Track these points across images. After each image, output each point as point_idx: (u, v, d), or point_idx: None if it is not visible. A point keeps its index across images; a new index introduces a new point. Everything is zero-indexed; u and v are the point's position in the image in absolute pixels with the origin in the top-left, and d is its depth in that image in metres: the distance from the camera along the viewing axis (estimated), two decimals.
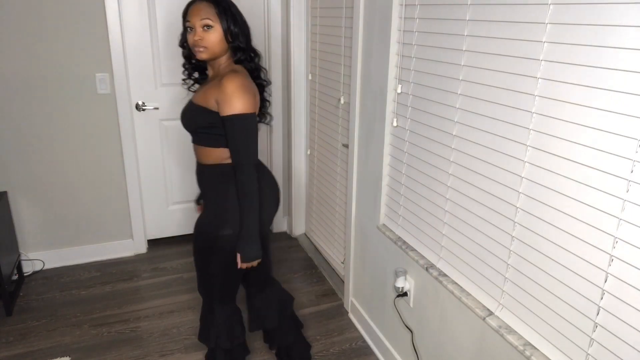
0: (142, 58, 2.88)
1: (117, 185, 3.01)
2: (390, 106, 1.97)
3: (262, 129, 2.80)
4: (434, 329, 1.83)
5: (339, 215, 2.75)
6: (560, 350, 1.29)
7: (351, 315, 2.56)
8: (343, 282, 2.72)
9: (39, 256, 2.95)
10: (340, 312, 2.62)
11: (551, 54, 1.21)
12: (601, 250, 1.14)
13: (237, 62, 1.69)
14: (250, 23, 1.72)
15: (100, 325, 2.46)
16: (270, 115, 1.85)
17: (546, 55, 1.22)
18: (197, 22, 1.58)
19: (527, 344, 1.37)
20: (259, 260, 1.69)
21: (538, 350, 1.34)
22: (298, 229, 3.45)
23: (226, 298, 1.84)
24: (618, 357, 1.12)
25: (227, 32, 1.61)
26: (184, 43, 1.73)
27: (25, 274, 2.89)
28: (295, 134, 3.19)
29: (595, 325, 1.18)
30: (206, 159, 1.70)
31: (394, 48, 1.90)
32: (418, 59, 1.76)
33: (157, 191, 3.18)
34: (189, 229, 3.23)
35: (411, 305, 1.96)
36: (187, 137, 2.91)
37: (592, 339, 1.19)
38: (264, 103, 1.78)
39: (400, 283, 1.95)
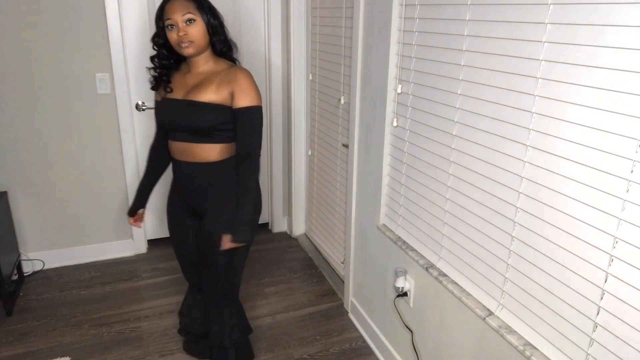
0: (142, 58, 2.88)
1: (117, 185, 3.01)
2: (390, 106, 1.97)
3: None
4: (434, 329, 1.83)
5: (339, 215, 2.75)
6: (560, 350, 1.29)
7: (351, 315, 2.56)
8: (343, 282, 2.72)
9: (39, 256, 2.95)
10: (340, 312, 2.62)
11: (551, 54, 1.21)
12: (601, 250, 1.14)
13: (220, 54, 1.71)
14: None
15: (100, 325, 2.46)
16: None
17: (546, 55, 1.22)
18: (179, 18, 1.59)
19: (527, 344, 1.37)
20: (243, 244, 1.73)
21: (538, 350, 1.34)
22: (298, 229, 3.45)
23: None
24: (618, 357, 1.12)
25: (208, 25, 1.64)
26: (160, 43, 1.69)
27: (25, 274, 2.89)
28: (295, 134, 3.19)
29: (595, 325, 1.18)
30: (212, 156, 1.70)
31: (394, 48, 1.90)
32: (418, 59, 1.76)
33: (157, 191, 3.16)
34: None
35: (411, 305, 1.96)
36: None
37: (592, 339, 1.19)
38: None
39: (400, 283, 1.95)
